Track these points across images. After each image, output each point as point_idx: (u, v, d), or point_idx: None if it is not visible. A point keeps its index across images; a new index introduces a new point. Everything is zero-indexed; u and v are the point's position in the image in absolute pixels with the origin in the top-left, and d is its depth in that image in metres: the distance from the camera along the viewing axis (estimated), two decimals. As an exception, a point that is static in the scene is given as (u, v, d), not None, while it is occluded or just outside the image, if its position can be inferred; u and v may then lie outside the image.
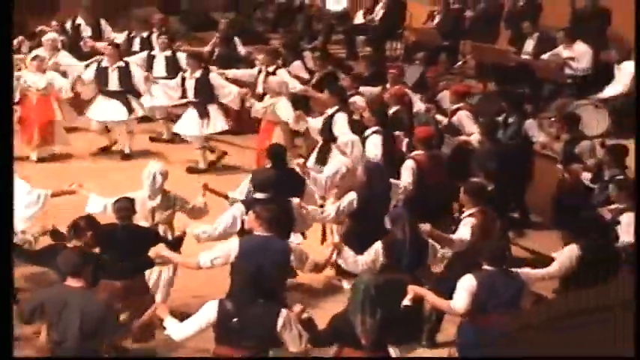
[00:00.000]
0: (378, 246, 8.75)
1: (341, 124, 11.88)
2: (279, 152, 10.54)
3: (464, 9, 16.88)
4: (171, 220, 9.64)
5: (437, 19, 16.64)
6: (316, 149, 12.20)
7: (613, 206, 9.94)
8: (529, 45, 15.31)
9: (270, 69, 14.15)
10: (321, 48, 15.65)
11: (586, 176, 11.26)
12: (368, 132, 11.54)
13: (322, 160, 11.80)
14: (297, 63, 15.03)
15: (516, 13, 15.91)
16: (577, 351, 5.49)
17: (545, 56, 14.82)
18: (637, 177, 9.75)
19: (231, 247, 8.39)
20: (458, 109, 12.49)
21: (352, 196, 10.09)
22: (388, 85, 13.48)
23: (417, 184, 10.73)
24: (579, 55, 14.61)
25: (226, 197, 10.23)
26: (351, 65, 16.15)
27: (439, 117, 12.68)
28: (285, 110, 13.09)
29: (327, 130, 12.02)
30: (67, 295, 7.14)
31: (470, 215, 9.38)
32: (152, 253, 8.82)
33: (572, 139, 11.74)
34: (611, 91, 13.82)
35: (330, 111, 12.18)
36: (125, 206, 8.90)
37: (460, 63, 15.86)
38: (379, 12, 17.55)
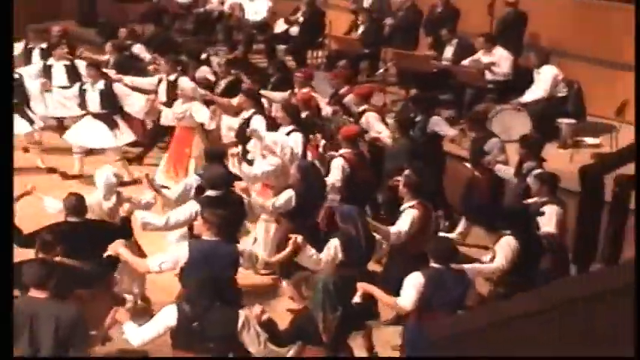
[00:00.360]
0: (335, 243, 8.82)
1: (259, 127, 11.95)
2: (219, 153, 10.72)
3: (383, 17, 16.90)
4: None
5: (360, 29, 16.61)
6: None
7: (533, 199, 10.11)
8: (449, 51, 15.39)
9: (172, 77, 14.02)
10: (242, 58, 15.56)
11: (500, 168, 11.44)
12: (286, 130, 11.66)
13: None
14: (205, 68, 15.01)
15: (435, 19, 15.97)
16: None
17: (465, 62, 14.92)
18: (637, 178, 9.90)
19: (181, 253, 8.35)
20: (364, 111, 12.60)
21: (289, 193, 10.19)
22: (296, 90, 13.52)
23: (346, 182, 10.87)
24: (499, 60, 14.75)
25: (158, 192, 10.23)
26: (257, 68, 15.97)
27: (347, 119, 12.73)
28: (202, 113, 13.14)
29: (243, 133, 12.07)
30: (36, 307, 6.93)
31: (411, 207, 9.51)
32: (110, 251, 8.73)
33: (479, 138, 11.93)
34: (531, 95, 13.99)
35: (246, 114, 12.35)
36: (77, 202, 8.79)
37: (382, 70, 15.87)
38: (299, 20, 17.52)
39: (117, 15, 19.76)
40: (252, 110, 12.35)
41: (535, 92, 13.98)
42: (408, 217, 9.43)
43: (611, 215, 10.17)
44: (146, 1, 20.04)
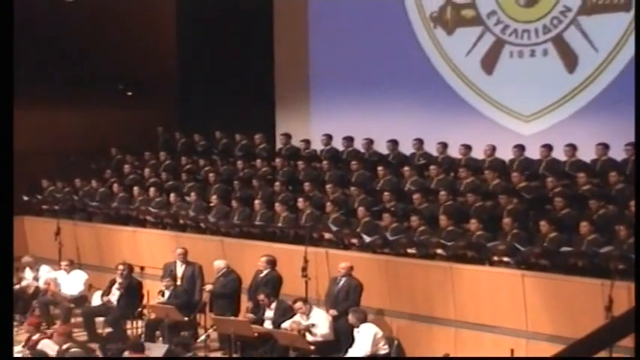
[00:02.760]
0: None
1: None
2: None
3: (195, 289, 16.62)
4: None
5: (167, 294, 16.18)
6: None
7: None
8: (269, 314, 15.10)
9: None
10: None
11: None
12: None
13: None
14: None
15: (258, 284, 15.69)
16: None
17: (285, 325, 14.63)
18: (636, 181, 9.46)
19: None
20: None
21: None
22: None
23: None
24: (317, 321, 14.53)
25: None
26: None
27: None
28: None
29: None
30: None
31: None
32: None
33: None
34: (353, 353, 13.74)
35: None
36: None
37: (203, 337, 15.39)
38: (115, 293, 16.91)
39: None
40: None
41: (357, 351, 13.77)
42: None
43: None
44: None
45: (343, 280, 15.02)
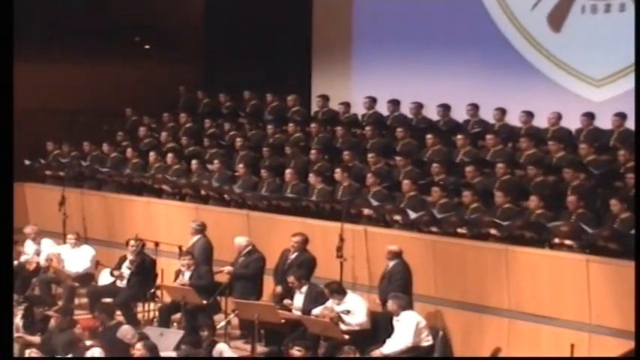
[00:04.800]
0: None
1: None
2: None
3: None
4: None
5: (187, 275, 16.27)
6: None
7: None
8: (298, 299, 15.18)
9: None
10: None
11: None
12: None
13: None
14: None
15: (288, 266, 15.76)
16: None
17: (316, 311, 14.71)
18: (637, 181, 9.36)
19: None
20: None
21: None
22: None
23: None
24: (352, 308, 14.59)
25: None
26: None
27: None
28: None
29: None
30: None
31: None
32: None
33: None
34: (393, 345, 13.83)
35: None
36: None
37: (223, 323, 15.48)
38: (126, 271, 17.06)
39: None
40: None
41: (397, 341, 13.84)
42: None
43: None
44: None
45: (391, 264, 15.03)
